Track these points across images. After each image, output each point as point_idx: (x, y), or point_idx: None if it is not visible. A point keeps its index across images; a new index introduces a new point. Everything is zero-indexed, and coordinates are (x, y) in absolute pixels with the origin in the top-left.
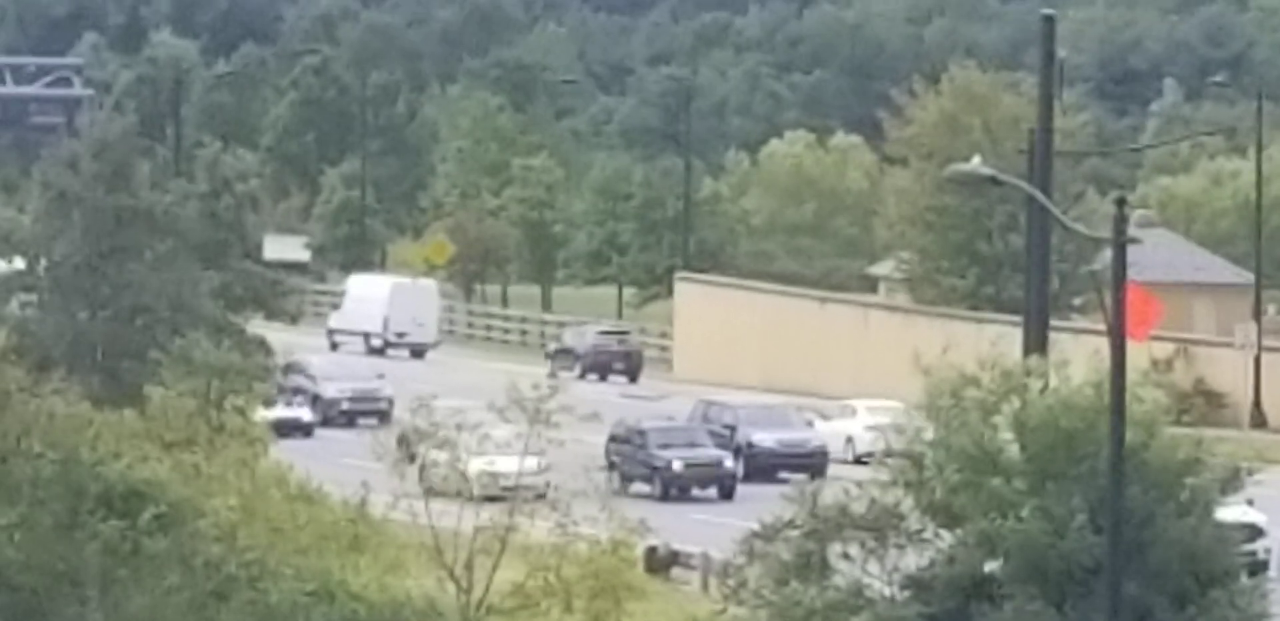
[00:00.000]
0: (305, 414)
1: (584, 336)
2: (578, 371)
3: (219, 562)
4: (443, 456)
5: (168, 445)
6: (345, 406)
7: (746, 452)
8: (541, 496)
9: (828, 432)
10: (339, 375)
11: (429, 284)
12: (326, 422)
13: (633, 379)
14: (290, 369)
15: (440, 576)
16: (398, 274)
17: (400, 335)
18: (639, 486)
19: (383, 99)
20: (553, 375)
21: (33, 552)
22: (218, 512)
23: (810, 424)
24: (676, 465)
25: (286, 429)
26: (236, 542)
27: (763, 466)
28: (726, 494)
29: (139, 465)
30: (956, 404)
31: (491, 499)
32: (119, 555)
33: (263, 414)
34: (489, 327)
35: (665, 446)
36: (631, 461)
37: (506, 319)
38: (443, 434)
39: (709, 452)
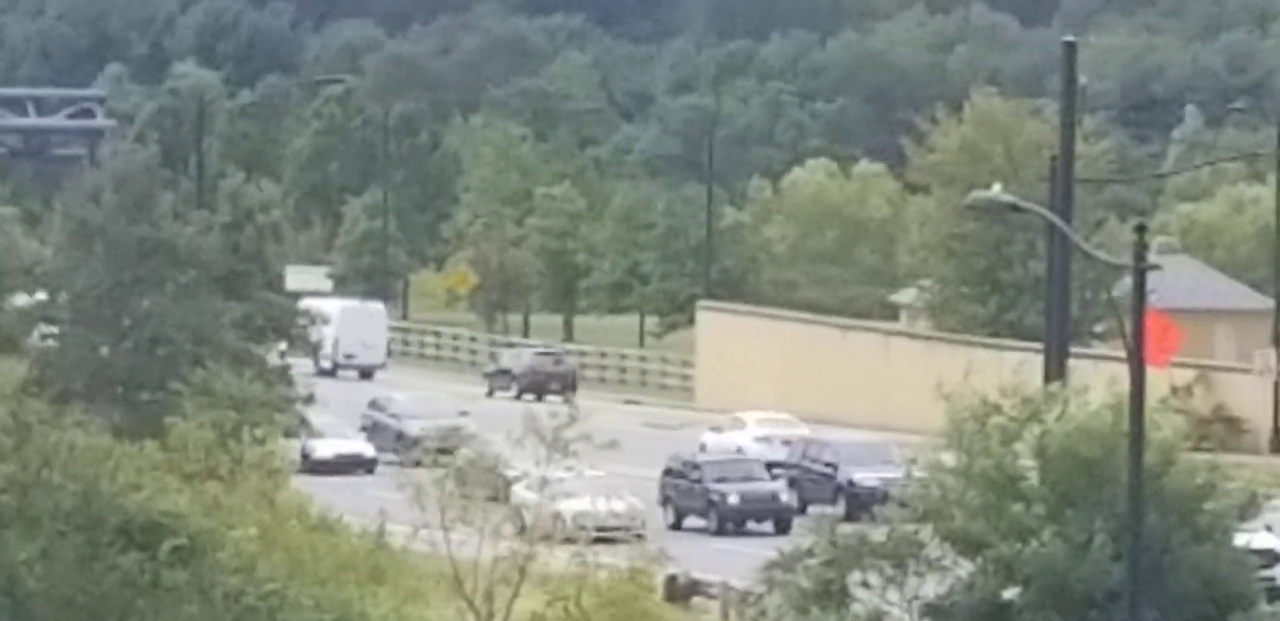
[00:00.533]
0: (368, 449)
1: (520, 358)
2: (514, 392)
3: (238, 594)
4: (532, 496)
5: (188, 476)
6: (428, 444)
7: (848, 491)
8: (640, 537)
9: (716, 444)
10: (422, 412)
11: (377, 306)
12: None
13: (567, 399)
14: (373, 405)
15: (460, 606)
16: (420, 304)
17: (349, 356)
18: (693, 520)
19: (405, 129)
20: (490, 394)
21: (53, 584)
22: (237, 544)
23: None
24: (732, 499)
25: (347, 464)
26: (256, 574)
27: (864, 504)
28: (783, 528)
29: (159, 497)
30: (979, 430)
31: (596, 540)
32: (138, 587)
33: (320, 447)
34: (438, 347)
35: (721, 480)
36: (687, 495)
37: (455, 338)
38: (525, 471)
39: (765, 486)
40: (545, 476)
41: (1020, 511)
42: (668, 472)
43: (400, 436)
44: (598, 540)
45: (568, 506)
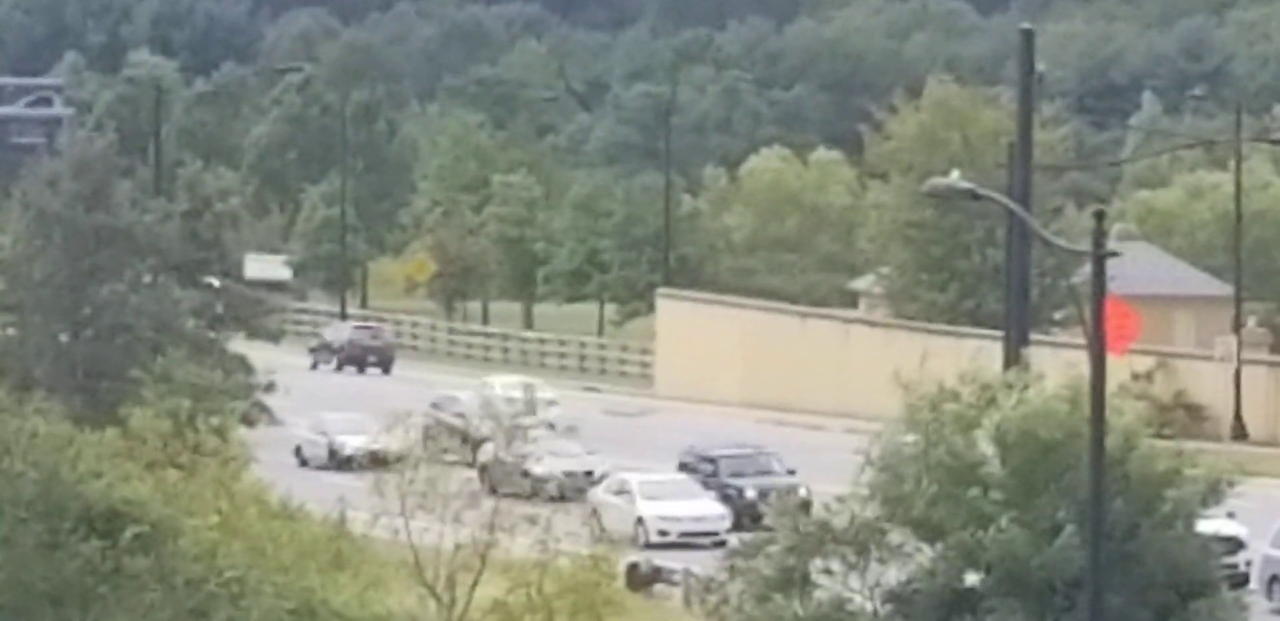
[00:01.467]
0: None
1: (341, 332)
2: (335, 364)
3: (199, 581)
4: (614, 500)
5: (148, 465)
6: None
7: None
8: (721, 544)
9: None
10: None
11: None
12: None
13: (386, 370)
14: (437, 406)
15: (421, 593)
16: (379, 292)
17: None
18: None
19: (363, 117)
20: (314, 367)
21: (14, 571)
22: (197, 532)
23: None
24: (750, 492)
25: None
26: (216, 561)
27: (742, 513)
28: None
29: (120, 484)
30: (936, 418)
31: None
32: (100, 574)
33: (355, 444)
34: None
35: (737, 474)
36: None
37: (415, 326)
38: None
39: (782, 480)
40: (627, 478)
41: (979, 497)
42: (683, 466)
43: (465, 439)
44: (682, 545)
45: (649, 509)
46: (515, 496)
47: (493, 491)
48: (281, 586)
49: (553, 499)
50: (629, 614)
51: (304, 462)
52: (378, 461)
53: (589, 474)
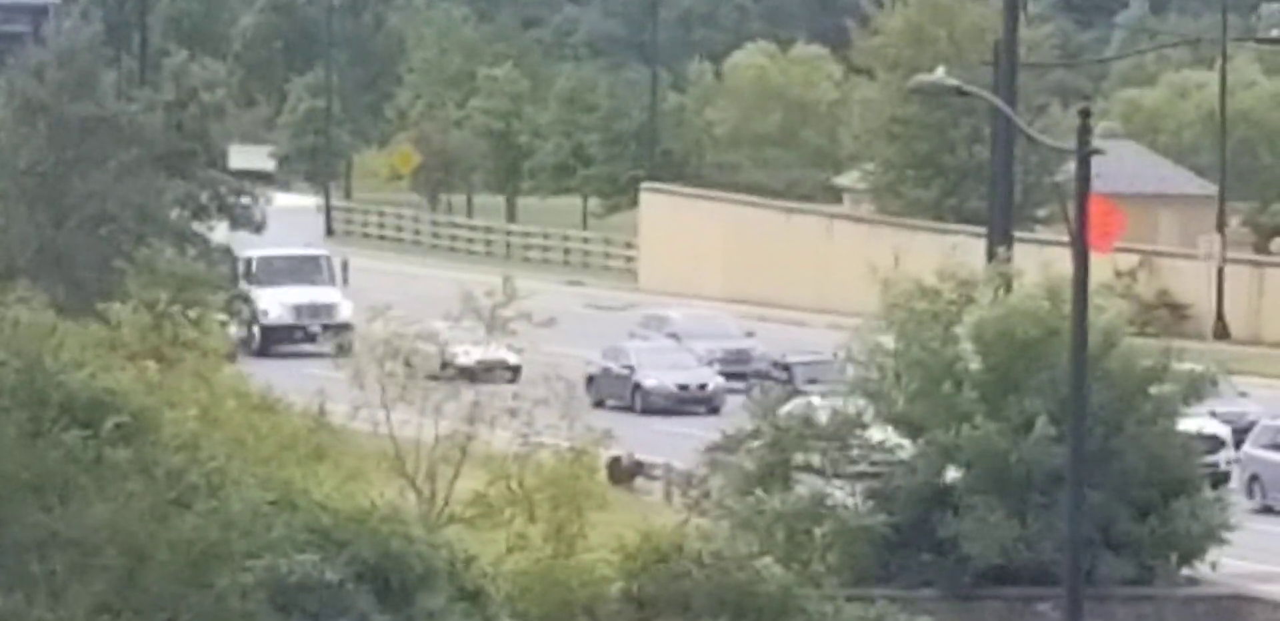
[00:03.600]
0: (511, 357)
1: None
2: None
3: (180, 472)
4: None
5: (129, 356)
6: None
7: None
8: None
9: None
10: (703, 332)
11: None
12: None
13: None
14: (647, 323)
15: (402, 485)
16: (363, 184)
17: None
18: None
19: (349, 9)
20: None
21: None
22: (178, 423)
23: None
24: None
25: (490, 372)
26: (197, 453)
27: (656, 406)
28: None
29: (102, 375)
30: (912, 315)
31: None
32: (81, 464)
33: (461, 353)
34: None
35: (813, 381)
36: None
37: (399, 217)
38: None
39: None
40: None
41: (955, 394)
42: (756, 374)
43: (637, 388)
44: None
45: (646, 378)
46: (623, 409)
47: (598, 404)
48: (262, 478)
49: (661, 411)
50: (610, 507)
51: (600, 402)
52: (490, 371)
53: (703, 387)
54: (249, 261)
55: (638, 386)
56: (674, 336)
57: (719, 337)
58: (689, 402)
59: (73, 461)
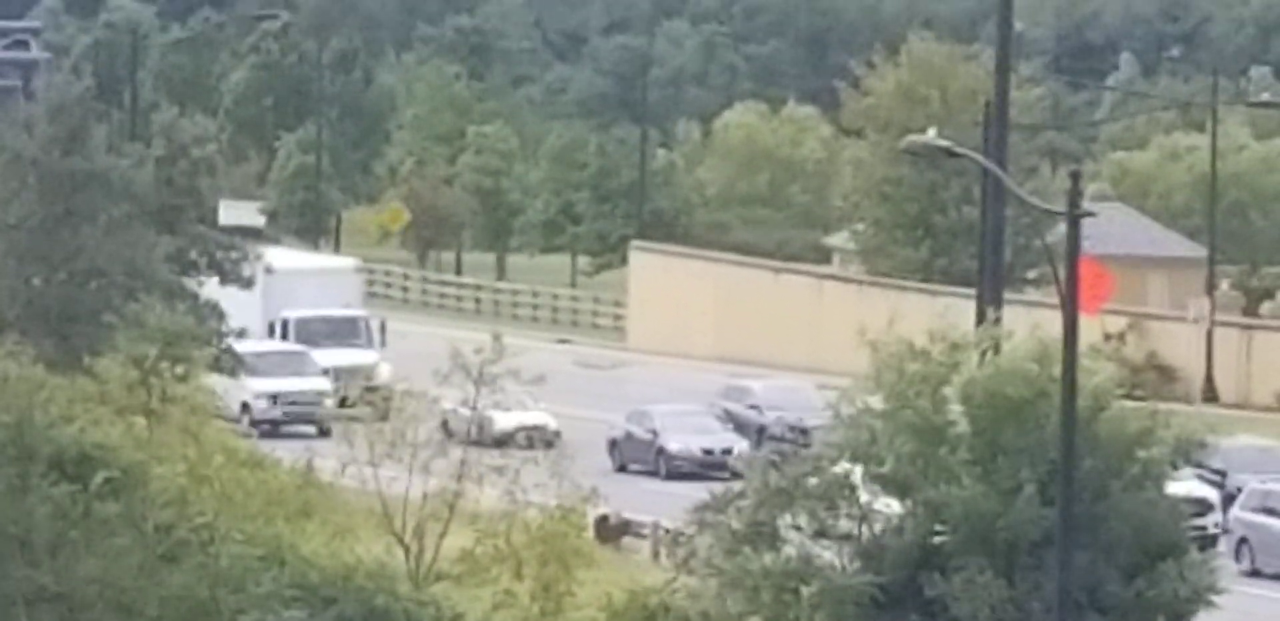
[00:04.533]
0: (550, 421)
1: None
2: None
3: (169, 527)
4: None
5: (118, 410)
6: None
7: (666, 457)
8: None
9: None
10: (786, 404)
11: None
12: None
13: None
14: (728, 394)
15: (389, 542)
16: (352, 241)
17: None
18: None
19: (340, 65)
20: None
21: None
22: (166, 478)
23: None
24: None
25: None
26: (187, 508)
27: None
28: None
29: (91, 429)
30: (902, 377)
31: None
32: (70, 518)
33: (499, 418)
34: (370, 284)
35: None
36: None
37: (388, 274)
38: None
39: None
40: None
41: (947, 455)
42: (771, 438)
43: (763, 430)
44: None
45: (670, 442)
46: (646, 474)
47: (621, 468)
48: (250, 534)
49: (686, 476)
50: (597, 565)
51: (623, 467)
52: (530, 437)
53: (727, 452)
54: (285, 323)
55: (661, 450)
56: (755, 408)
57: (801, 409)
58: (713, 467)
59: (62, 516)
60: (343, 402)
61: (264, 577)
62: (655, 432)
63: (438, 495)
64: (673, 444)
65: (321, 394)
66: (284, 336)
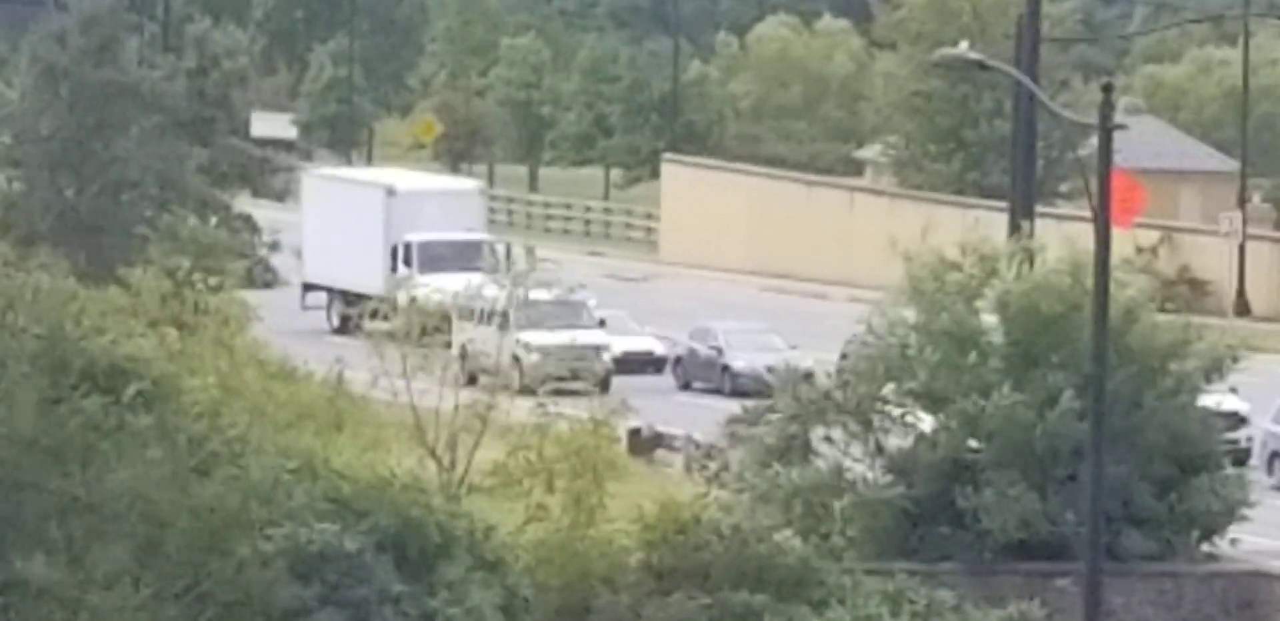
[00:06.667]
0: (658, 346)
1: None
2: None
3: (201, 439)
4: None
5: (150, 323)
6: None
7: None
8: None
9: None
10: (747, 346)
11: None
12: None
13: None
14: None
15: (421, 455)
16: (385, 153)
17: None
18: None
19: None
20: None
21: (15, 427)
22: (198, 390)
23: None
24: None
25: (636, 363)
26: (218, 420)
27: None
28: None
29: (123, 341)
30: (939, 287)
31: None
32: (102, 430)
33: (608, 344)
34: None
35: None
36: None
37: None
38: None
39: None
40: None
41: (980, 366)
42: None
43: (725, 370)
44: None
45: (735, 359)
46: (711, 392)
47: (685, 386)
48: (282, 446)
49: (750, 394)
50: (629, 479)
51: (686, 385)
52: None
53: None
54: (408, 246)
55: (726, 368)
56: (716, 349)
57: (762, 351)
58: None
59: (93, 428)
60: None
61: (296, 490)
62: (719, 350)
63: (469, 407)
64: (737, 361)
65: (600, 348)
66: (406, 261)
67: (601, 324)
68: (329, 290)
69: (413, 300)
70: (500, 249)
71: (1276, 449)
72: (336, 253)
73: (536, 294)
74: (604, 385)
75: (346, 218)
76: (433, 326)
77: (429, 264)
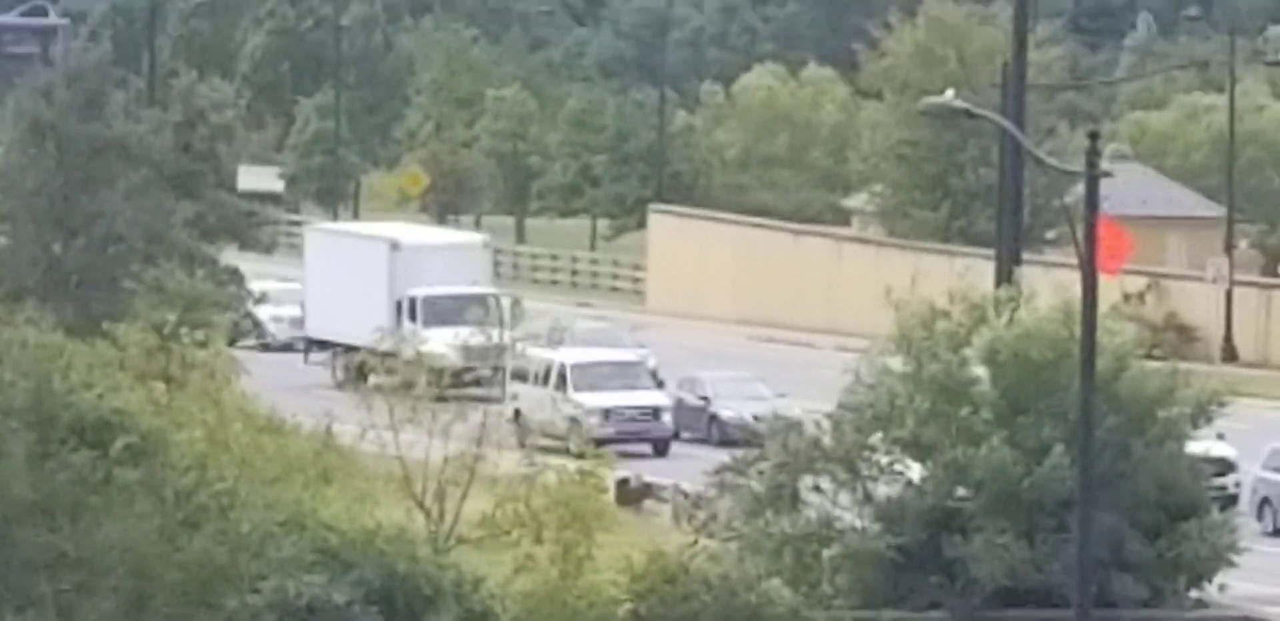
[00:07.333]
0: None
1: None
2: None
3: (189, 493)
4: None
5: (138, 376)
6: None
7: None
8: None
9: None
10: (734, 395)
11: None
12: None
13: None
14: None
15: (409, 507)
16: (372, 206)
17: None
18: None
19: (359, 30)
20: None
21: (4, 482)
22: (186, 444)
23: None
24: None
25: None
26: (206, 473)
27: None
28: None
29: (110, 395)
30: (927, 336)
31: None
32: (90, 485)
33: (668, 405)
34: None
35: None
36: None
37: None
38: None
39: None
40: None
41: (970, 416)
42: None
43: (713, 419)
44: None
45: (722, 409)
46: (698, 441)
47: (673, 436)
48: (270, 499)
49: (738, 443)
50: (618, 529)
51: (675, 434)
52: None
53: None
54: (413, 300)
55: (714, 417)
56: (704, 399)
57: (748, 400)
58: None
59: (81, 482)
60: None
61: (284, 543)
62: (706, 399)
63: (457, 459)
64: (725, 410)
65: (660, 410)
66: (411, 315)
67: (660, 385)
68: (333, 344)
69: (417, 353)
70: (506, 303)
71: (1267, 495)
72: (340, 307)
73: (596, 354)
74: (663, 449)
75: (350, 272)
76: (436, 380)
77: (434, 318)
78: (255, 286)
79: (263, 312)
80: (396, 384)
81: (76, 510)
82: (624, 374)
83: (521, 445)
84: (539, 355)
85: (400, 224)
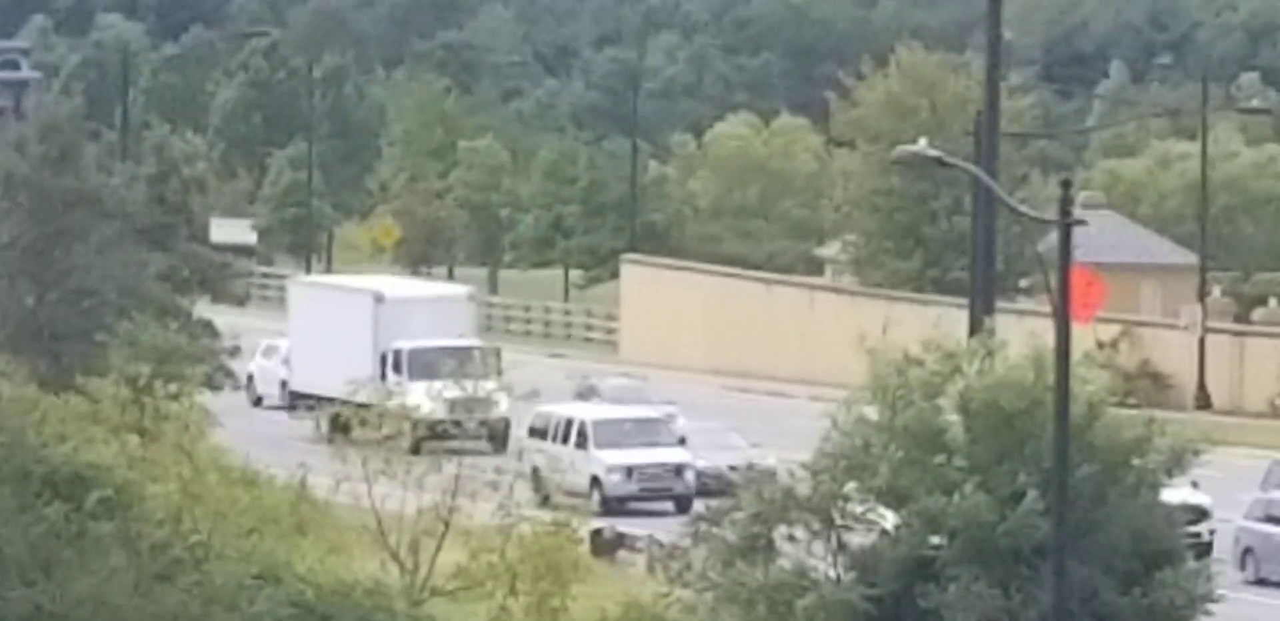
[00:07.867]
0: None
1: None
2: None
3: (163, 546)
4: None
5: (113, 429)
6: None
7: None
8: None
9: None
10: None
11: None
12: None
13: None
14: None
15: (384, 559)
16: (344, 257)
17: None
18: None
19: (330, 82)
20: None
21: None
22: (160, 496)
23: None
24: None
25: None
26: (181, 526)
27: None
28: None
29: (84, 449)
30: (901, 384)
31: None
32: (64, 538)
33: (691, 463)
34: None
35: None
36: None
37: None
38: None
39: None
40: None
41: (943, 465)
42: None
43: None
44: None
45: (696, 459)
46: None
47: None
48: (245, 552)
49: (713, 494)
50: (592, 580)
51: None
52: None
53: (752, 468)
54: (397, 353)
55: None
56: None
57: (726, 449)
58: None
59: (56, 536)
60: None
61: (259, 595)
62: None
63: (432, 511)
64: (699, 460)
65: (682, 467)
66: (396, 368)
67: (682, 442)
68: (317, 397)
69: (402, 406)
70: (490, 354)
71: (1250, 544)
72: (325, 360)
73: (618, 411)
74: (685, 507)
75: (335, 325)
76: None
77: (419, 371)
78: (263, 342)
79: (255, 367)
80: (379, 436)
81: (51, 564)
82: (646, 431)
83: (544, 503)
84: (559, 411)
85: (384, 276)
